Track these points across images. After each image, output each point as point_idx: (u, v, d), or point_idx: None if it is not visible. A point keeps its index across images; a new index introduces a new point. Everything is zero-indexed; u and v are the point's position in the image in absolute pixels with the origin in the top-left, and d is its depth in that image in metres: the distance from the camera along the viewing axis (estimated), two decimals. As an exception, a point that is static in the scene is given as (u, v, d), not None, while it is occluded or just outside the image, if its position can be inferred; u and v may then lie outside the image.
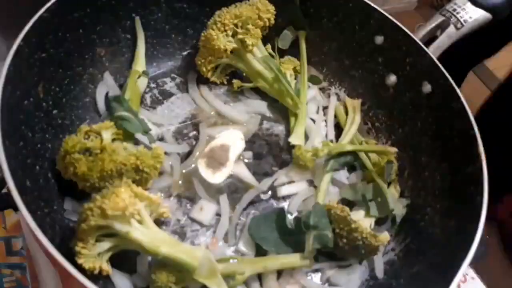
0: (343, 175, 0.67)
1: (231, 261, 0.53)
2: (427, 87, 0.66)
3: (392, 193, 0.64)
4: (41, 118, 0.56)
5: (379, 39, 0.71)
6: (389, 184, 0.65)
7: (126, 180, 0.50)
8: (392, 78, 0.70)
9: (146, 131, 0.61)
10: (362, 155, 0.67)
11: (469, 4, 0.65)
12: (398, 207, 0.61)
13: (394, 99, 0.71)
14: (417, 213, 0.62)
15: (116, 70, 0.69)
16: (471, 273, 0.68)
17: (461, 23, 0.65)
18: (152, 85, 0.71)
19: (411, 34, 0.67)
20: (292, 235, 0.57)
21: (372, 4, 0.70)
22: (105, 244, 0.47)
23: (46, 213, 0.51)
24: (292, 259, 0.55)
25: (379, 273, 0.59)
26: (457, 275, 0.47)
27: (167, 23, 0.72)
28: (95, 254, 0.46)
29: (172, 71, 0.74)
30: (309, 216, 0.55)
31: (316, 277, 0.59)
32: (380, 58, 0.72)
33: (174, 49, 0.74)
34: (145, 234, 0.47)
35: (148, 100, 0.70)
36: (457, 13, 0.65)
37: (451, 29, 0.66)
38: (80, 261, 0.45)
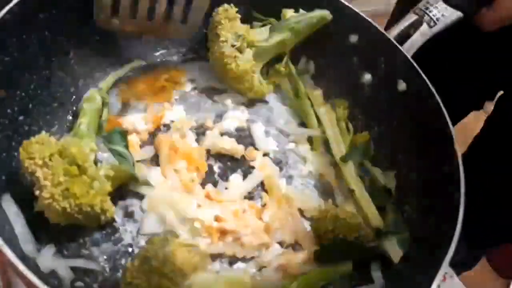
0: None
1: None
2: (402, 85, 0.66)
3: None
4: (5, 125, 0.53)
5: (353, 38, 0.71)
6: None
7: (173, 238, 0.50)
8: (367, 77, 0.71)
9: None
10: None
11: (441, 3, 0.66)
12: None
13: (370, 97, 0.71)
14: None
15: (85, 73, 0.66)
16: (450, 271, 0.69)
17: (434, 22, 0.65)
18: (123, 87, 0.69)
19: (385, 33, 0.67)
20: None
21: (345, 2, 0.70)
22: None
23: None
24: None
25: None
26: (438, 273, 0.47)
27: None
28: None
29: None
30: None
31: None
32: (355, 57, 0.71)
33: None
34: (202, 280, 0.48)
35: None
36: (430, 11, 0.66)
37: (424, 27, 0.66)
38: None
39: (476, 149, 1.07)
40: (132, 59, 0.71)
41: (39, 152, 0.48)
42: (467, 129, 1.22)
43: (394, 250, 0.57)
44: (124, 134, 0.58)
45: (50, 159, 0.49)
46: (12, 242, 0.47)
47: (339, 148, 0.68)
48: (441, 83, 0.63)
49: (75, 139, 0.55)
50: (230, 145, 0.65)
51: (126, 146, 0.57)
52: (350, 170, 0.65)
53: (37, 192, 0.48)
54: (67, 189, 0.48)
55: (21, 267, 0.41)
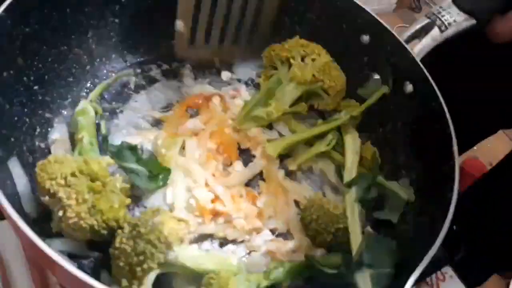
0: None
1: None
2: (409, 87, 0.66)
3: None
4: (20, 91, 0.56)
5: (365, 39, 0.71)
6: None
7: (165, 210, 0.52)
8: (376, 78, 0.71)
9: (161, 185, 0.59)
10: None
11: (454, 8, 0.66)
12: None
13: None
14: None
15: (102, 53, 0.69)
16: (450, 271, 0.68)
17: (445, 26, 0.65)
18: (138, 70, 0.72)
19: (397, 35, 0.68)
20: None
21: (360, 4, 0.71)
22: (153, 275, 0.48)
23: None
24: None
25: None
26: (412, 275, 0.46)
27: (155, 10, 0.72)
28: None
29: (158, 58, 0.74)
30: None
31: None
32: (365, 57, 0.72)
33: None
34: (188, 254, 0.50)
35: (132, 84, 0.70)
36: (442, 16, 0.66)
37: (435, 31, 0.66)
38: None
39: (499, 175, 1.02)
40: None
41: (60, 171, 0.48)
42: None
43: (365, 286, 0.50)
44: (133, 148, 0.57)
45: (71, 178, 0.48)
46: (13, 199, 0.50)
47: (351, 174, 0.65)
48: (470, 97, 0.61)
49: (91, 155, 0.56)
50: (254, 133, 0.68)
51: (138, 161, 0.56)
52: (351, 197, 0.62)
53: (60, 213, 0.47)
54: (94, 206, 0.48)
55: (21, 223, 0.41)
